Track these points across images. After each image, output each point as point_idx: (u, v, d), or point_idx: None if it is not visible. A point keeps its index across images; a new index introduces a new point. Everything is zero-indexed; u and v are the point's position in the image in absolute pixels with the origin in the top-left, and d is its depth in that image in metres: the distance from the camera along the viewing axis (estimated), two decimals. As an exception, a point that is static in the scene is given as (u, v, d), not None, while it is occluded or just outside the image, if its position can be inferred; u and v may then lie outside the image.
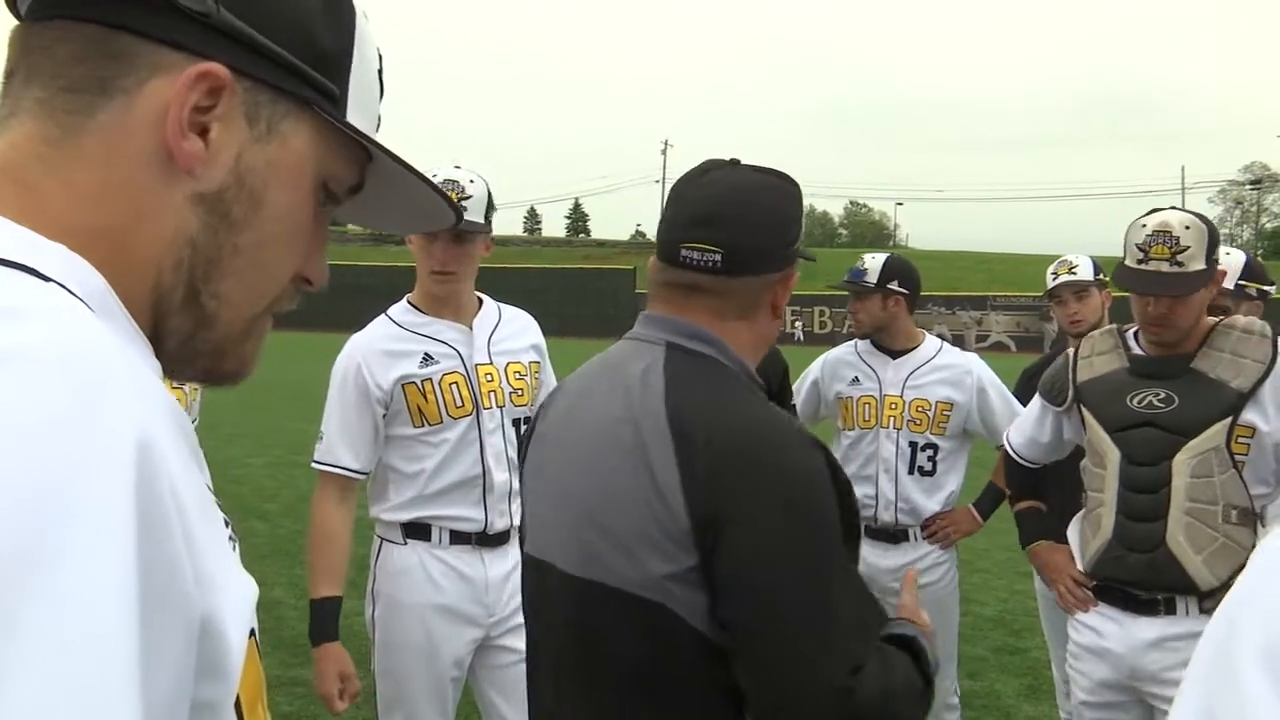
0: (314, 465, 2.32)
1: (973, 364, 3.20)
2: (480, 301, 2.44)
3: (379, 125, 0.69)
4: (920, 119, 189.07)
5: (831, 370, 3.31)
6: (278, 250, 0.63)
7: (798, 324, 31.55)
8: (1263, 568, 0.55)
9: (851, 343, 3.35)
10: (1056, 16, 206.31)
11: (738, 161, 1.35)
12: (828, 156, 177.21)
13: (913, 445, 3.10)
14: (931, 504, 3.10)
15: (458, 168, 2.32)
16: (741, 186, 1.30)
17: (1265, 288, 2.89)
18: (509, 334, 2.44)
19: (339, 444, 2.28)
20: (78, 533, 0.40)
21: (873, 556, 3.10)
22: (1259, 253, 65.21)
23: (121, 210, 0.56)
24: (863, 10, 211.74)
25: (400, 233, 0.75)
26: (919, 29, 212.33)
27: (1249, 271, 2.85)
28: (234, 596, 0.52)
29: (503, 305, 2.49)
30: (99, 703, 0.40)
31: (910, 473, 3.10)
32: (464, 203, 2.23)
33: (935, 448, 3.11)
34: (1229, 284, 2.72)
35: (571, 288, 33.77)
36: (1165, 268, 2.14)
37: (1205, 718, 0.51)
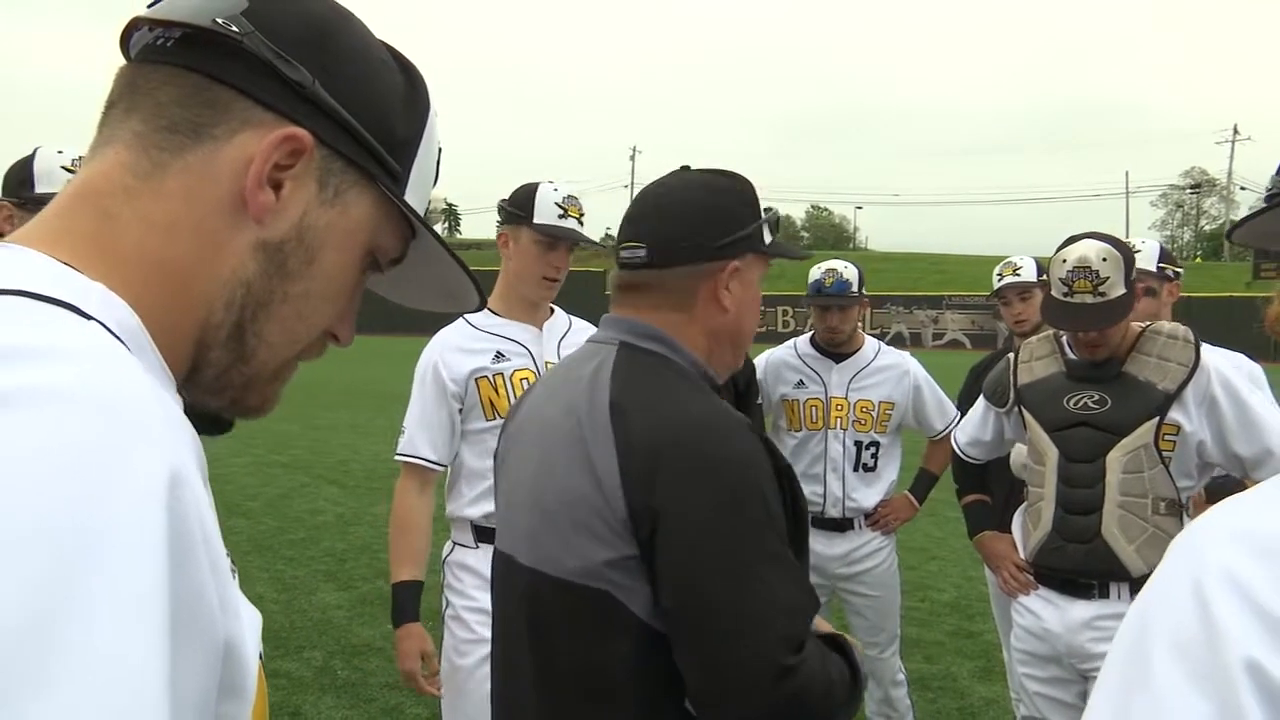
0: (396, 458, 2.42)
1: (909, 363, 3.30)
2: (552, 310, 2.55)
3: (429, 207, 0.76)
4: (878, 127, 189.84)
5: (775, 372, 3.31)
6: (320, 304, 0.67)
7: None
8: (1173, 566, 0.57)
9: (791, 344, 3.37)
10: (1007, 32, 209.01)
11: (687, 167, 1.40)
12: (790, 161, 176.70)
13: (858, 444, 3.21)
14: (873, 495, 3.23)
15: (552, 180, 2.46)
16: (672, 186, 1.35)
17: (1178, 269, 3.12)
18: (580, 340, 2.53)
19: (418, 436, 2.38)
20: (112, 558, 0.42)
21: (819, 545, 3.23)
22: (1198, 254, 66.67)
23: (189, 247, 0.60)
24: (824, 24, 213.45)
25: (424, 309, 0.84)
26: (877, 42, 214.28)
27: (1164, 255, 3.08)
28: (248, 621, 0.56)
29: (572, 316, 2.60)
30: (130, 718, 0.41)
31: (855, 470, 3.21)
32: (581, 218, 2.43)
33: (877, 445, 3.22)
34: (1151, 267, 2.93)
35: (541, 288, 33.83)
36: (1090, 299, 2.26)
37: (1120, 705, 0.54)
